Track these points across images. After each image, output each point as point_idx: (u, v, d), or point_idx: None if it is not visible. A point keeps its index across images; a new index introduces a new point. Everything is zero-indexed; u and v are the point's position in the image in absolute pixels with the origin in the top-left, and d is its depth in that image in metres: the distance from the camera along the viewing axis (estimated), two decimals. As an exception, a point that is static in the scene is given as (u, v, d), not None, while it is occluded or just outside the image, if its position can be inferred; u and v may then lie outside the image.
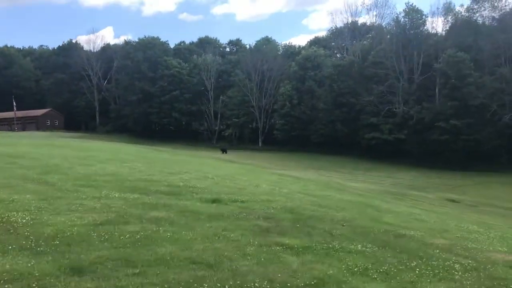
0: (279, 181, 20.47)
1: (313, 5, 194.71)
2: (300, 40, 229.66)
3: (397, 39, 67.02)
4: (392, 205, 17.42)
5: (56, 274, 4.92)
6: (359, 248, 6.94)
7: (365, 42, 77.85)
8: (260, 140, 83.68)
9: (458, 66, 58.40)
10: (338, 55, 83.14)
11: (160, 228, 6.96)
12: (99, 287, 4.72)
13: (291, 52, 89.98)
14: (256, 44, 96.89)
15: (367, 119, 66.34)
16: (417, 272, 6.03)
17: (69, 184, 10.64)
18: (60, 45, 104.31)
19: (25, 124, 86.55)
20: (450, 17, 69.18)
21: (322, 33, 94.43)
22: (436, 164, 58.68)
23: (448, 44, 62.45)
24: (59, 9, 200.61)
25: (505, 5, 64.11)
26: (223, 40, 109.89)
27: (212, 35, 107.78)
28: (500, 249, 8.54)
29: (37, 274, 4.85)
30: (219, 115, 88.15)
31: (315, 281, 5.35)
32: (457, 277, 6.04)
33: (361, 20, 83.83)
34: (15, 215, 7.05)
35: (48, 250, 5.67)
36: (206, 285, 4.96)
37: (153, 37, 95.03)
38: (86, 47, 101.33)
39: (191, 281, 5.04)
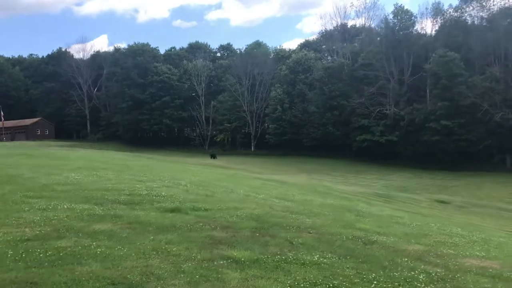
0: (261, 187, 19.78)
1: (307, 9, 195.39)
2: (294, 44, 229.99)
3: (387, 40, 66.85)
4: (376, 208, 16.76)
5: None
6: (316, 259, 6.25)
7: (355, 44, 77.62)
8: (252, 144, 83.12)
9: (448, 65, 58.16)
10: (328, 58, 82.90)
11: (94, 243, 6.24)
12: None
13: (281, 55, 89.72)
14: (246, 48, 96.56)
15: (358, 121, 66.04)
16: (373, 285, 5.35)
17: (18, 195, 9.92)
18: (50, 53, 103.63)
19: (14, 134, 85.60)
20: (439, 18, 69.03)
21: (313, 37, 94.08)
22: (428, 165, 58.36)
23: (438, 44, 62.32)
24: (52, 18, 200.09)
25: (493, 5, 64.18)
26: (217, 45, 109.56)
27: (206, 41, 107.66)
28: (477, 254, 7.92)
29: None
30: (210, 121, 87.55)
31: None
32: (418, 290, 5.37)
33: (350, 23, 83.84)
34: None
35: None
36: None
37: (143, 43, 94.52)
38: (76, 56, 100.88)
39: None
